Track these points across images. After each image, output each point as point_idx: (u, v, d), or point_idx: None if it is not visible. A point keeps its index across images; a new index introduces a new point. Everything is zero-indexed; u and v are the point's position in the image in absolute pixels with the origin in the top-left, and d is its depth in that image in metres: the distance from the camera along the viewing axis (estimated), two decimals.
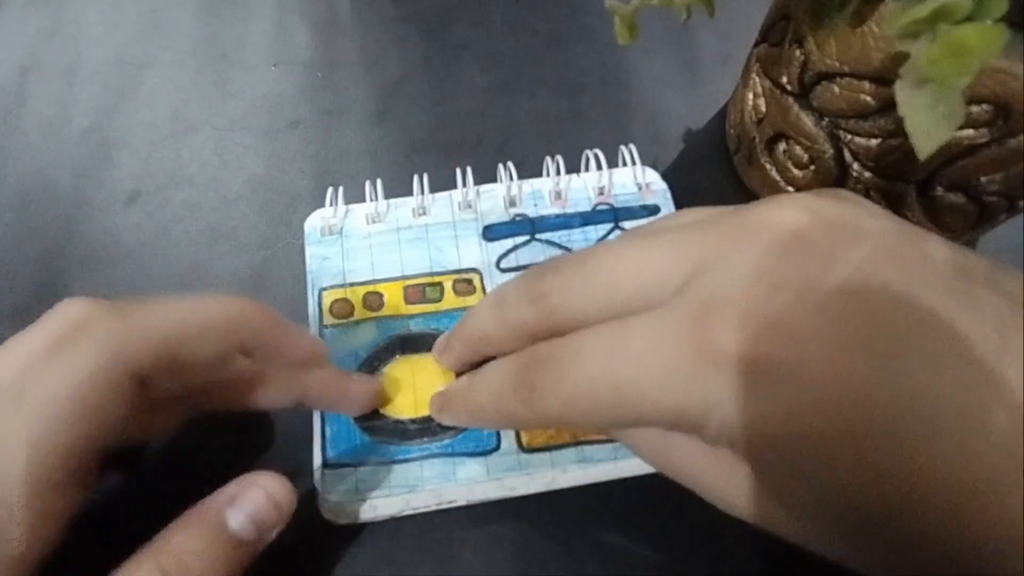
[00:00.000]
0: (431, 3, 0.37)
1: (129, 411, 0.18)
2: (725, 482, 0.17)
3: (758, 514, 0.16)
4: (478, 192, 0.28)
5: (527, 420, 0.19)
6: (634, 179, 0.29)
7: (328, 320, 0.26)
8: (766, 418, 0.14)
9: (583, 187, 0.29)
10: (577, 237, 0.28)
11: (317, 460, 0.23)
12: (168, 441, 0.24)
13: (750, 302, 0.15)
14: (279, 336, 0.21)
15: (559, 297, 0.19)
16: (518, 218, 0.28)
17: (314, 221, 0.28)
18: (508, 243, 0.27)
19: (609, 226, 0.28)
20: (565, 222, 0.28)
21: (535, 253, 0.27)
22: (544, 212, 0.28)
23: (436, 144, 0.33)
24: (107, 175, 0.31)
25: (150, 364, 0.18)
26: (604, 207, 0.28)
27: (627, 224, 0.28)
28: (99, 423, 0.17)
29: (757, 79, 0.29)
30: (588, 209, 0.28)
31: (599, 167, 0.29)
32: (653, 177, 0.29)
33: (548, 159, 0.29)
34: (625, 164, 0.29)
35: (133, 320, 0.18)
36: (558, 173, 0.29)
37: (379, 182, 0.28)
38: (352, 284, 0.26)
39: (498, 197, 0.28)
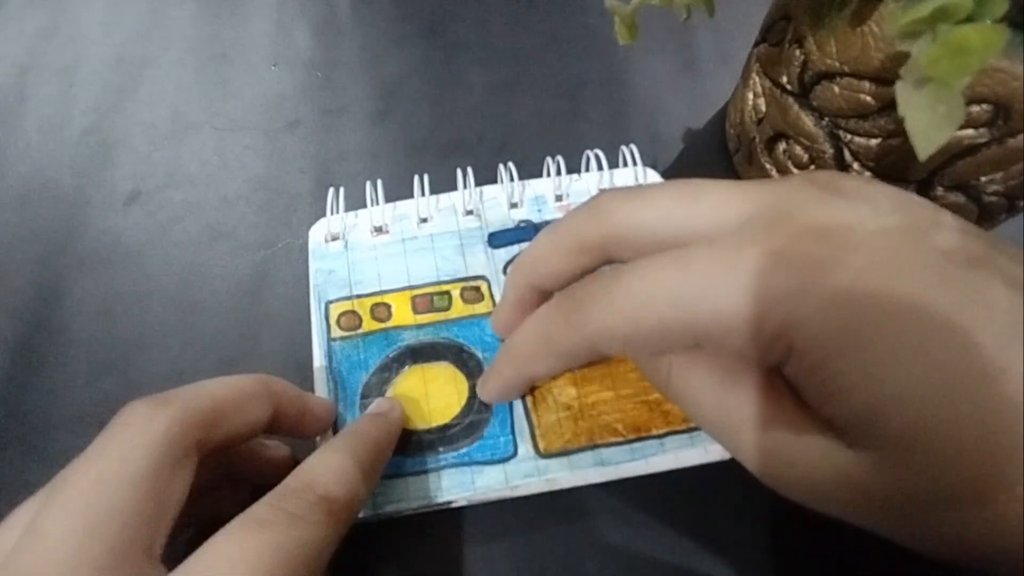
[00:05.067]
0: (431, 3, 0.37)
1: (189, 487, 0.18)
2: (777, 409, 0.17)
3: (798, 454, 0.16)
4: (481, 196, 0.28)
5: (566, 339, 0.19)
6: (635, 180, 0.29)
7: (336, 333, 0.25)
8: (827, 307, 0.15)
9: (585, 190, 0.29)
10: None
11: None
12: None
13: (816, 218, 0.15)
14: (301, 403, 0.22)
15: (615, 205, 0.19)
16: (522, 224, 0.28)
17: (317, 234, 0.28)
18: (514, 249, 0.27)
19: None
20: None
21: None
22: (548, 216, 0.28)
23: (436, 144, 0.33)
24: (107, 175, 0.31)
25: (202, 434, 0.18)
26: None
27: None
28: (166, 503, 0.17)
29: (757, 79, 0.29)
30: None
31: (600, 168, 0.29)
32: (654, 177, 0.29)
33: (548, 159, 0.29)
34: (626, 164, 0.29)
35: (178, 403, 0.18)
36: (559, 173, 0.29)
37: (379, 183, 0.28)
38: (359, 296, 0.26)
39: (501, 203, 0.28)
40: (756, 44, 0.29)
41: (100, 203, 0.31)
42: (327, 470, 0.19)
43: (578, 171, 0.29)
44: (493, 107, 0.34)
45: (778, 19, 0.27)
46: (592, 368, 0.24)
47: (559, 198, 0.29)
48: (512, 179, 0.28)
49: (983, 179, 0.23)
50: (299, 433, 0.22)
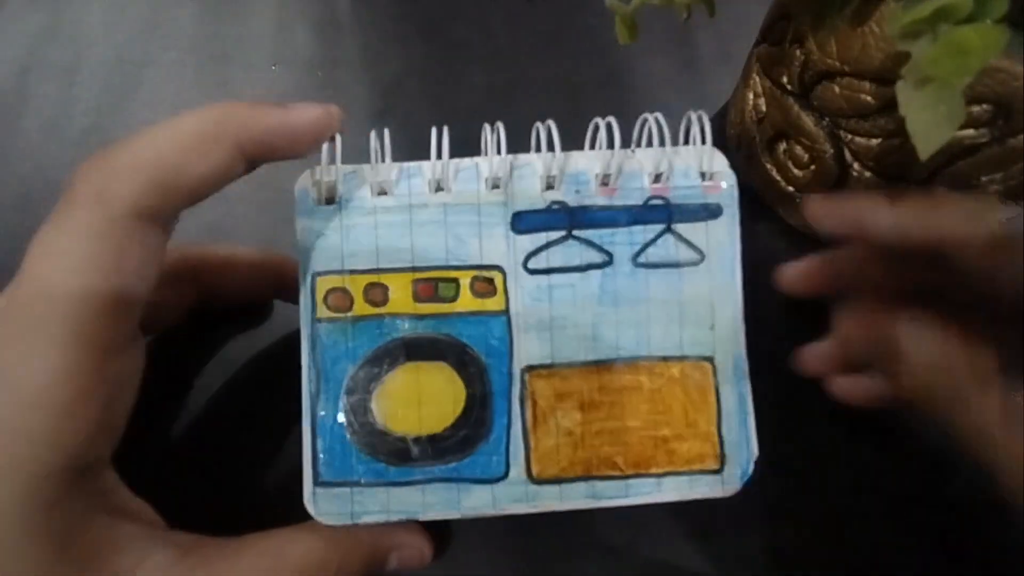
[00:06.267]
0: (431, 2, 0.37)
1: (148, 255, 0.19)
2: None
3: None
4: (511, 165, 0.23)
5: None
6: (698, 162, 0.23)
7: (322, 313, 0.22)
8: None
9: (638, 171, 0.23)
10: (622, 239, 0.23)
11: (308, 476, 0.21)
12: (155, 458, 0.24)
13: None
14: (277, 119, 0.20)
15: None
16: (555, 206, 0.23)
17: (306, 183, 0.23)
18: (541, 237, 0.23)
19: (659, 228, 0.23)
20: (610, 217, 0.23)
21: (570, 254, 0.23)
22: (587, 202, 0.23)
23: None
24: None
25: (147, 197, 0.18)
26: (658, 202, 0.23)
27: (681, 227, 0.23)
28: (121, 271, 0.18)
29: (757, 79, 0.29)
30: (639, 203, 0.23)
31: (661, 142, 0.23)
32: (721, 165, 0.23)
33: (599, 120, 0.23)
34: (688, 141, 0.23)
35: (116, 163, 0.18)
36: (611, 146, 0.23)
37: (387, 133, 0.24)
38: (352, 272, 0.23)
39: (535, 176, 0.23)
40: (756, 44, 0.29)
41: None
42: None
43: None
44: (493, 107, 0.34)
45: (778, 19, 0.27)
46: (603, 393, 0.23)
47: (605, 183, 0.23)
48: (552, 145, 0.23)
49: (983, 179, 0.23)
50: (286, 156, 0.21)
